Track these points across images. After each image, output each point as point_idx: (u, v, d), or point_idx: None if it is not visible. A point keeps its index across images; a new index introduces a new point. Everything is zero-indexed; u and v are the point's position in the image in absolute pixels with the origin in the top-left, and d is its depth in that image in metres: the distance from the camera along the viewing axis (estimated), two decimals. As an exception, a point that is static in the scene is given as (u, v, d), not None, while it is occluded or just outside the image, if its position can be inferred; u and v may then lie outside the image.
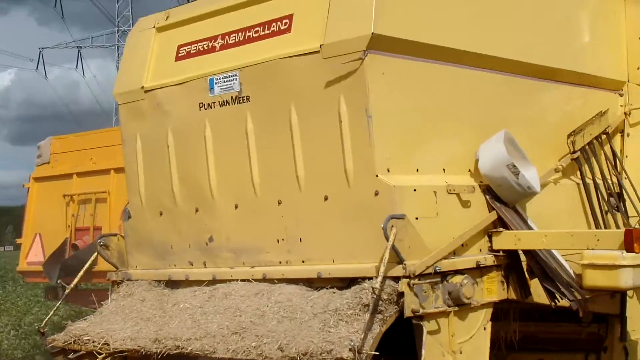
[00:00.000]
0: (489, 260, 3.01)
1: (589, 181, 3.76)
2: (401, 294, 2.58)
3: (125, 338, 3.26)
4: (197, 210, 3.49)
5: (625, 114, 4.03)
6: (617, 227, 3.82)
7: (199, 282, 3.38)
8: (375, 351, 2.42)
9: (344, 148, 2.80)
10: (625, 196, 3.93)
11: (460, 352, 2.86)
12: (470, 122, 3.18)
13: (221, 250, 3.38)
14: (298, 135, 2.97)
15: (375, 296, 2.45)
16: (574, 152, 3.61)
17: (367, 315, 2.55)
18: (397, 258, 2.59)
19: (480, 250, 3.05)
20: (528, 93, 3.61)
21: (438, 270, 2.73)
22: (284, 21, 3.04)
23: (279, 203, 3.08)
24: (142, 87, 3.61)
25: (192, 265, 3.53)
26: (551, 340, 4.09)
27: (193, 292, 3.36)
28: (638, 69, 4.09)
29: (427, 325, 2.70)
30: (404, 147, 2.88)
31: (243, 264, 3.24)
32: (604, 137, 3.84)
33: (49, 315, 4.14)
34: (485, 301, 3.03)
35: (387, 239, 2.49)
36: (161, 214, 3.66)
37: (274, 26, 3.09)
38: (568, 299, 3.04)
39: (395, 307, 2.59)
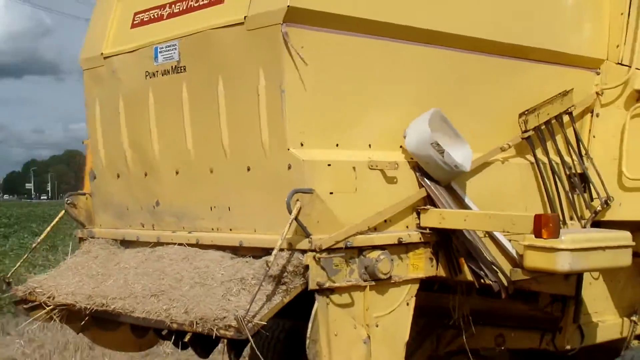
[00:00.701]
0: (415, 237, 3.00)
1: (546, 161, 3.68)
2: (307, 267, 2.61)
3: (68, 293, 3.41)
4: (145, 175, 3.59)
5: (597, 93, 3.91)
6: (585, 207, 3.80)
7: (146, 244, 3.49)
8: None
9: (261, 121, 2.82)
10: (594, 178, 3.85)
11: (377, 326, 2.87)
12: (406, 99, 3.14)
13: (166, 214, 3.48)
14: (224, 107, 3.02)
15: (267, 268, 2.48)
16: (526, 131, 3.53)
17: (270, 286, 2.61)
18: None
19: (407, 227, 3.03)
20: (485, 71, 3.52)
21: (349, 245, 2.72)
22: None
23: (211, 171, 3.15)
24: (102, 53, 3.69)
25: (143, 227, 3.65)
26: (509, 317, 4.09)
27: (136, 253, 3.50)
28: (618, 46, 3.95)
29: (339, 299, 2.73)
30: (322, 122, 2.86)
31: (183, 228, 3.33)
32: (566, 117, 3.73)
33: (16, 266, 4.40)
34: (410, 277, 3.02)
35: (290, 213, 2.52)
36: (118, 176, 3.81)
37: None
38: (490, 280, 3.03)
39: (302, 279, 2.62)
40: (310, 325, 2.56)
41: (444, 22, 3.26)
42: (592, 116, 3.94)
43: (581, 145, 3.83)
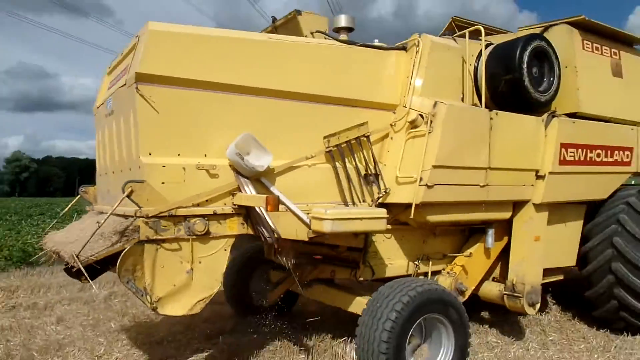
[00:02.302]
0: (228, 210, 3.34)
1: (349, 166, 3.90)
2: (139, 227, 3.00)
3: (56, 243, 3.57)
4: (105, 174, 3.99)
5: (391, 125, 4.11)
6: (371, 195, 4.01)
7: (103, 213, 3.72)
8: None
9: (132, 140, 3.21)
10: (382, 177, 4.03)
11: (200, 262, 3.26)
12: (234, 128, 3.37)
13: (110, 197, 3.81)
14: (121, 133, 3.44)
15: (98, 227, 2.92)
16: (328, 147, 3.77)
17: (117, 237, 3.01)
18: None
19: (225, 204, 3.35)
20: (305, 112, 3.73)
21: (173, 214, 3.11)
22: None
23: (113, 172, 3.62)
24: (97, 106, 4.23)
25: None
26: (335, 258, 4.26)
27: (94, 218, 3.79)
28: (404, 96, 4.12)
29: (169, 246, 3.14)
30: (166, 142, 3.17)
31: (109, 204, 3.56)
32: (363, 139, 3.94)
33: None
34: (226, 234, 3.37)
35: (123, 192, 2.94)
36: (100, 175, 4.27)
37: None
38: (266, 239, 3.33)
39: (137, 234, 3.01)
40: (119, 261, 2.92)
41: (266, 80, 3.50)
42: (388, 139, 4.14)
43: (374, 157, 4.00)
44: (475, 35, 4.47)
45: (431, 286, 3.55)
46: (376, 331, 3.33)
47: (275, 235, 3.32)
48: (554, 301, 6.09)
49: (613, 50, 5.16)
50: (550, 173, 4.49)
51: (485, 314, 5.59)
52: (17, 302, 6.55)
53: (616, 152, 5.08)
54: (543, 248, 4.65)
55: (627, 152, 5.21)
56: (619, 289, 4.81)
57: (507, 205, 4.53)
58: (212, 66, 3.30)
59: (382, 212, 3.60)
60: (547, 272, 5.00)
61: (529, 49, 4.38)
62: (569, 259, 5.13)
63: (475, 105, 4.60)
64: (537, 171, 4.53)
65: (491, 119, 4.14)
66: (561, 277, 5.25)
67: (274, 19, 4.45)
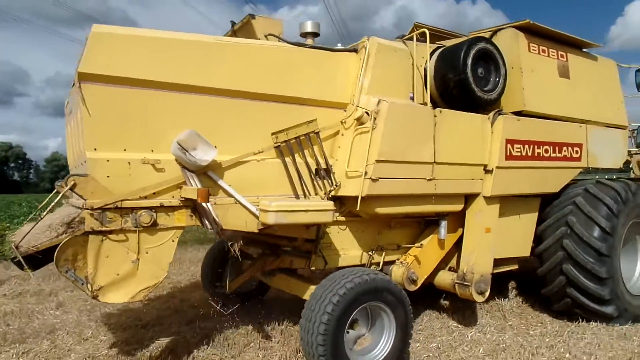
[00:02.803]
0: (175, 202, 3.14)
1: (300, 161, 3.68)
2: (84, 219, 2.81)
3: (17, 235, 3.23)
4: (75, 167, 3.77)
5: (342, 122, 3.89)
6: (323, 189, 3.77)
7: None
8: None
9: (80, 135, 3.04)
10: (333, 171, 3.82)
11: (147, 253, 3.06)
12: (179, 125, 3.16)
13: None
14: (76, 130, 3.28)
15: (39, 219, 2.74)
16: (276, 143, 3.56)
17: (63, 228, 2.82)
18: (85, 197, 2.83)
19: (173, 196, 3.15)
20: (257, 109, 3.51)
21: (119, 206, 2.91)
22: None
23: (81, 165, 3.33)
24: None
25: None
26: (295, 249, 4.11)
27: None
28: (354, 95, 3.89)
29: (115, 237, 2.94)
30: (111, 137, 2.96)
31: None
32: (313, 135, 3.72)
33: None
34: (174, 225, 3.16)
35: (66, 186, 2.74)
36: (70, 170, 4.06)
37: None
38: (211, 228, 3.13)
39: (83, 225, 2.83)
40: (57, 251, 2.73)
41: (212, 80, 3.28)
42: (339, 135, 3.92)
43: (324, 152, 3.78)
44: (432, 39, 4.24)
45: (369, 276, 3.27)
46: (314, 324, 3.09)
47: (218, 227, 3.10)
48: (518, 289, 5.81)
49: (560, 52, 4.89)
50: (497, 167, 4.23)
51: (451, 301, 5.31)
52: (24, 289, 6.45)
53: (565, 148, 4.80)
54: (494, 239, 4.38)
55: (576, 148, 4.93)
56: (567, 264, 4.53)
57: (459, 198, 4.28)
58: (156, 66, 3.09)
59: (329, 204, 3.41)
60: (501, 261, 4.75)
61: (473, 51, 4.13)
62: (523, 250, 4.85)
63: (425, 103, 4.37)
64: (485, 166, 4.27)
65: (435, 116, 3.90)
66: (515, 267, 4.97)
67: (233, 24, 4.26)
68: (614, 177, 5.49)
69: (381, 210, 3.79)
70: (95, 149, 2.92)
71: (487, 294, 4.29)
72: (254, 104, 3.51)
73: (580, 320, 4.62)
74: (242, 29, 4.18)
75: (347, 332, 3.35)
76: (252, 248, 4.62)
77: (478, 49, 4.18)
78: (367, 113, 3.69)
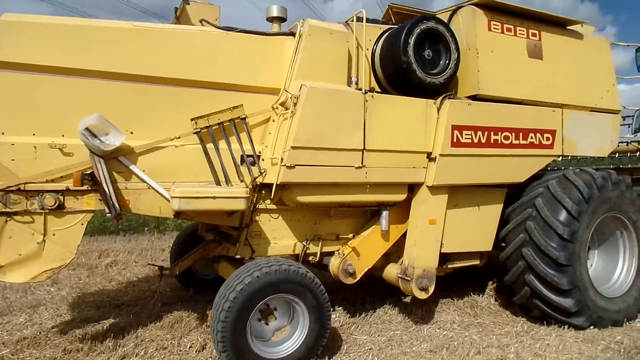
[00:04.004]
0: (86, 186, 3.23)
1: (223, 147, 3.65)
2: None
3: None
4: None
5: (273, 107, 3.83)
6: (251, 176, 3.74)
7: None
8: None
9: None
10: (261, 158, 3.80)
11: (54, 235, 3.19)
12: (89, 112, 3.18)
13: None
14: None
15: None
16: (196, 129, 3.54)
17: None
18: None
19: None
20: (179, 96, 3.52)
21: (23, 189, 3.04)
22: None
23: None
24: None
25: None
26: (227, 236, 4.14)
27: None
28: (286, 80, 3.78)
29: (21, 218, 3.08)
30: (19, 122, 3.07)
31: None
32: (239, 121, 3.69)
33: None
34: (83, 209, 3.26)
35: None
36: None
37: None
38: (109, 212, 3.20)
39: None
40: None
41: (124, 66, 3.31)
42: (270, 121, 3.86)
43: (251, 139, 3.74)
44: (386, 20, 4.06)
45: (261, 271, 3.19)
46: (219, 311, 3.11)
47: (116, 211, 3.18)
48: (502, 286, 5.49)
49: (532, 31, 4.52)
50: (441, 155, 4.00)
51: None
52: None
53: (531, 134, 4.46)
54: (440, 231, 4.18)
55: (547, 135, 4.57)
56: (529, 275, 4.24)
57: (400, 187, 4.11)
58: (66, 53, 3.16)
59: (239, 192, 3.39)
60: (457, 255, 4.54)
61: (416, 32, 3.91)
62: (483, 244, 4.58)
63: (372, 89, 4.22)
64: (429, 154, 4.07)
65: (366, 101, 3.75)
66: (477, 262, 4.72)
67: (176, 10, 4.29)
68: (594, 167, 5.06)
69: (303, 198, 3.72)
70: (2, 133, 3.07)
71: (431, 290, 4.11)
72: (173, 90, 3.51)
73: (554, 323, 4.28)
74: (183, 15, 4.20)
75: (267, 324, 3.38)
76: (209, 234, 4.70)
77: (422, 29, 3.95)
78: (291, 98, 3.62)
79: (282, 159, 3.50)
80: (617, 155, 6.80)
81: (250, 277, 3.16)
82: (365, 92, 3.78)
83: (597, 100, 4.91)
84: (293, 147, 3.47)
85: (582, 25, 5.34)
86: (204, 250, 4.48)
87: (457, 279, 5.56)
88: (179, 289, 5.35)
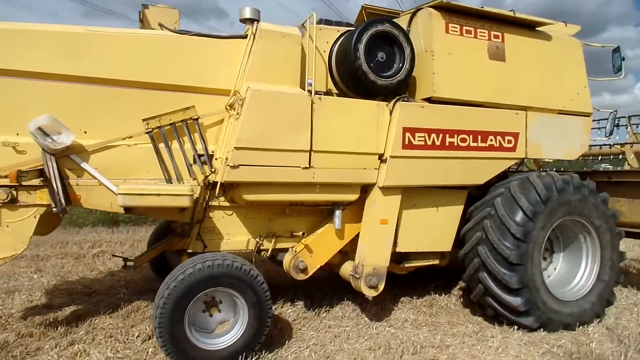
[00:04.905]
0: (36, 182, 3.42)
1: (176, 147, 3.80)
2: None
3: None
4: None
5: (226, 108, 3.96)
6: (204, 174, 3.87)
7: None
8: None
9: None
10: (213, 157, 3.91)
11: (7, 226, 3.42)
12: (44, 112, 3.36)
13: None
14: None
15: None
16: (147, 129, 3.70)
17: None
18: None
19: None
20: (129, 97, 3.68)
21: None
22: None
23: None
24: None
25: None
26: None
27: None
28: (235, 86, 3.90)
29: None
30: None
31: None
32: (191, 121, 3.83)
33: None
34: (37, 203, 3.47)
35: None
36: None
37: None
38: (55, 207, 3.37)
39: None
40: None
41: (78, 68, 3.49)
42: (224, 121, 3.98)
43: (204, 138, 3.87)
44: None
45: (224, 261, 3.37)
46: (159, 298, 3.29)
47: (61, 206, 3.37)
48: (464, 285, 5.54)
49: (494, 33, 4.52)
50: (391, 157, 4.07)
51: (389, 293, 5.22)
52: (23, 254, 7.13)
53: (491, 137, 4.48)
54: (392, 232, 4.26)
55: (508, 138, 4.57)
56: (483, 273, 4.29)
57: (352, 187, 4.19)
58: (19, 56, 3.34)
59: (184, 189, 3.55)
60: (414, 255, 4.62)
61: (367, 34, 3.98)
62: (441, 244, 4.64)
63: (329, 91, 4.32)
64: (380, 155, 4.15)
65: (314, 103, 3.85)
66: (437, 262, 4.77)
67: (139, 14, 4.46)
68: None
69: (250, 197, 3.85)
70: None
71: (381, 288, 4.20)
72: (127, 91, 3.68)
73: (510, 326, 4.32)
74: (145, 19, 4.37)
75: (211, 316, 3.56)
76: (174, 227, 4.86)
77: (374, 32, 4.01)
78: (237, 100, 3.75)
79: (226, 159, 3.64)
80: (599, 158, 6.71)
81: (193, 269, 3.33)
82: (314, 94, 3.87)
83: (565, 102, 4.88)
84: (236, 148, 3.61)
85: (565, 25, 5.32)
86: (168, 244, 4.66)
87: (423, 277, 5.64)
88: (154, 279, 5.57)
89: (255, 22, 4.15)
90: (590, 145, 6.60)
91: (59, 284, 5.50)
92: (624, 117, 6.56)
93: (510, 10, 4.93)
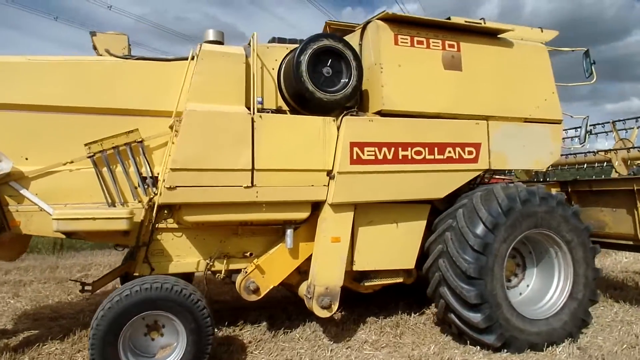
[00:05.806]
0: None
1: (119, 170, 3.82)
2: None
3: None
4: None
5: (170, 127, 3.95)
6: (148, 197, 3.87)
7: None
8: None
9: None
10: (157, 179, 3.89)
11: None
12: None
13: None
14: None
15: None
16: (90, 153, 3.73)
17: None
18: None
19: None
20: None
21: None
22: None
23: None
24: None
25: None
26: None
27: None
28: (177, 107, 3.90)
29: None
30: None
31: None
32: (135, 144, 3.86)
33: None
34: None
35: None
36: None
37: None
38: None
39: None
40: None
41: (15, 97, 3.58)
42: (169, 142, 3.99)
43: (148, 161, 3.88)
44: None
45: (163, 285, 3.36)
46: (94, 319, 3.29)
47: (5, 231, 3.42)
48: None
49: (448, 42, 4.42)
50: (339, 173, 3.99)
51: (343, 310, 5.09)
52: (7, 279, 7.28)
53: (449, 148, 4.35)
54: (345, 250, 4.14)
55: (469, 149, 4.43)
56: (443, 287, 4.13)
57: (301, 205, 4.11)
58: None
59: (122, 212, 3.54)
60: (375, 274, 4.48)
61: (309, 50, 3.94)
62: (402, 261, 4.49)
63: (279, 108, 4.29)
64: (329, 171, 4.06)
65: (254, 121, 3.82)
66: (400, 280, 4.62)
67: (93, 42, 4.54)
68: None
69: (192, 218, 3.81)
70: None
71: (335, 308, 4.08)
72: (69, 117, 3.74)
73: (474, 346, 4.12)
74: (95, 45, 4.45)
75: (152, 340, 3.52)
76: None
77: (318, 47, 3.98)
78: (178, 120, 3.76)
79: (163, 180, 3.63)
80: (585, 166, 6.43)
81: (130, 291, 3.32)
82: (256, 113, 3.84)
83: (531, 110, 4.71)
84: (172, 169, 3.60)
85: (542, 31, 5.18)
86: (126, 266, 4.66)
87: (393, 296, 5.46)
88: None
89: (219, 44, 4.17)
90: (574, 154, 6.39)
91: (30, 309, 5.54)
92: (608, 122, 6.28)
93: (480, 19, 4.85)
